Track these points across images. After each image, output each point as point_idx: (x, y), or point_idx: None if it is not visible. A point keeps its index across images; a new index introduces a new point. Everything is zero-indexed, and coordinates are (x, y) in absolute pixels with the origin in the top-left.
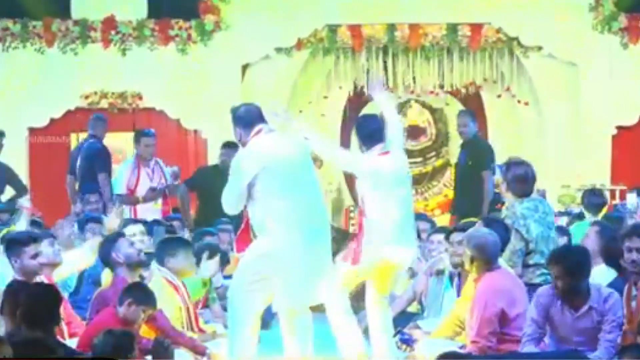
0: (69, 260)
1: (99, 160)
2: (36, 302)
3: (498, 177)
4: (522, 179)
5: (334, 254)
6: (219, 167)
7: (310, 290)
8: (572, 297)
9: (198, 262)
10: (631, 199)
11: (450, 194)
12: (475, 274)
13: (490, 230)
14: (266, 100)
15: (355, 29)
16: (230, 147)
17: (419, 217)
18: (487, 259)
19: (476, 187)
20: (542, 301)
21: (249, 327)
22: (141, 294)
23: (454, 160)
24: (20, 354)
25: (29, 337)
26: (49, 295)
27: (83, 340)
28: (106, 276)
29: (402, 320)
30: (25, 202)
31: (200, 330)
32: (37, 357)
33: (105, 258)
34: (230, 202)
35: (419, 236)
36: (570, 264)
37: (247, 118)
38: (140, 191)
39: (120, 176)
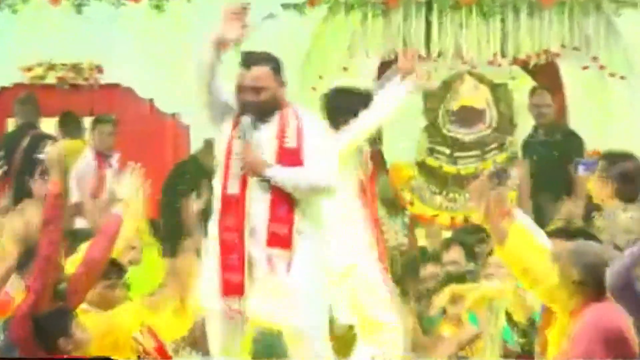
0: None
1: None
2: None
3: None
4: (631, 179)
5: None
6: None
7: None
8: None
9: None
10: None
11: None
12: (573, 304)
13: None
14: None
15: None
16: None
17: (475, 230)
18: (598, 286)
19: (563, 187)
20: None
21: None
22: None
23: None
24: None
25: None
26: None
27: None
28: None
29: None
30: None
31: None
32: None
33: None
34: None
35: (473, 255)
36: None
37: None
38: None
39: (79, 178)
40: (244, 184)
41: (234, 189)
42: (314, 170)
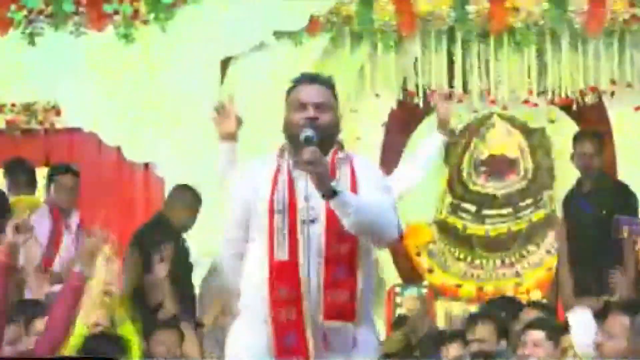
0: None
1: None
2: None
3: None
4: None
5: None
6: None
7: None
8: None
9: None
10: None
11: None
12: None
13: None
14: (264, 116)
15: (403, 2)
16: (185, 190)
17: (508, 302)
18: None
19: (612, 252)
20: None
21: None
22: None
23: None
24: None
25: None
26: None
27: None
28: None
29: None
30: None
31: None
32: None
33: None
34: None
35: (505, 333)
36: None
37: None
38: (61, 263)
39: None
40: (293, 245)
41: (282, 253)
42: (383, 209)
